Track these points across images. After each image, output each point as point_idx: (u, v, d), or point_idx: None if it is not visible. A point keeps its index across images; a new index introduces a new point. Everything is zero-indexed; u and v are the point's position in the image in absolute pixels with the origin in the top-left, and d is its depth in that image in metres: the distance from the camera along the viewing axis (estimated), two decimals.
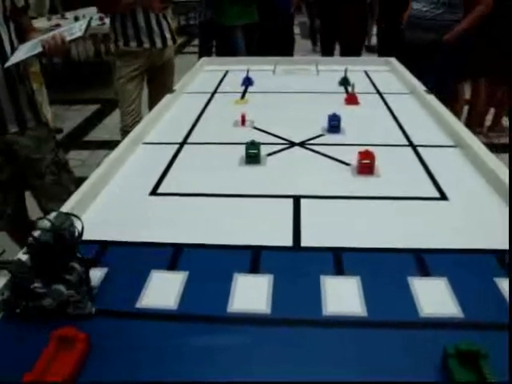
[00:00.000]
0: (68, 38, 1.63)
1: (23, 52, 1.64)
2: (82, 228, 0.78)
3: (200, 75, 2.34)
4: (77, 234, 0.78)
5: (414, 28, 3.17)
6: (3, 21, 1.63)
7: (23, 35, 1.74)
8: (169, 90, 2.03)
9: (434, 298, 0.80)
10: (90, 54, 6.84)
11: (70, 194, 1.66)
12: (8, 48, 1.65)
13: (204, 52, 3.93)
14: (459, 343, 0.65)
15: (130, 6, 2.64)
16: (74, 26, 1.68)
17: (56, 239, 0.74)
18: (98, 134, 4.31)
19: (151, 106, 2.88)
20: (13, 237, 2.04)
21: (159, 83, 2.93)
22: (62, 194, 1.81)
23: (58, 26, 4.53)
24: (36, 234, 0.74)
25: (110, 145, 2.85)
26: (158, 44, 2.77)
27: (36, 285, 0.75)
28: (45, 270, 0.76)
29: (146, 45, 2.74)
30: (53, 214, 0.77)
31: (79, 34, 1.63)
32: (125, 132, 2.80)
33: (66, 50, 1.69)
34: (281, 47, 3.92)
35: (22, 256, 0.81)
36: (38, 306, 0.76)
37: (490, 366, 0.62)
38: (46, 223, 0.74)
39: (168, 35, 2.81)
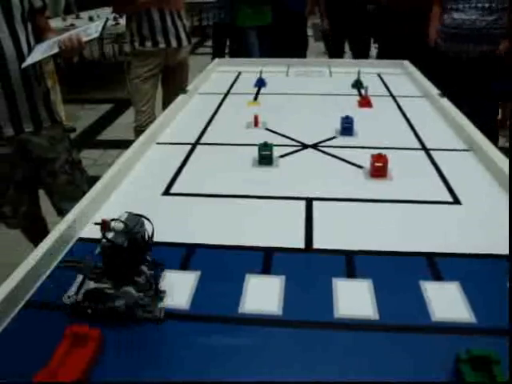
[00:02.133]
0: (84, 39, 1.63)
1: (40, 52, 1.65)
2: (153, 231, 0.76)
3: (213, 76, 2.35)
4: (147, 237, 0.76)
5: (461, 40, 2.83)
6: (21, 21, 1.65)
7: (40, 35, 1.76)
8: (183, 90, 2.03)
9: (446, 302, 0.80)
10: (104, 53, 6.88)
11: (83, 193, 1.71)
12: (25, 48, 1.66)
13: (217, 53, 3.95)
14: (471, 348, 0.64)
15: (146, 5, 2.65)
16: (89, 27, 1.68)
17: (130, 242, 0.73)
18: (110, 133, 4.34)
19: (165, 106, 2.90)
20: (26, 235, 2.06)
21: (173, 83, 2.94)
22: (75, 193, 1.83)
23: (72, 25, 4.57)
24: (109, 235, 0.72)
25: (123, 144, 2.88)
26: (174, 44, 2.79)
27: (106, 286, 0.76)
28: (115, 271, 0.75)
29: (162, 45, 2.76)
30: (125, 216, 0.75)
31: (96, 35, 1.63)
32: (139, 131, 2.82)
33: (82, 50, 1.71)
34: (294, 49, 3.92)
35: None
36: (109, 308, 0.75)
37: (502, 371, 0.62)
38: (120, 225, 0.72)
39: (183, 35, 2.83)
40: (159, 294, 0.80)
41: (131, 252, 0.73)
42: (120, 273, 0.75)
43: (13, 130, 1.70)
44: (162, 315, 0.77)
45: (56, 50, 1.61)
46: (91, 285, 0.77)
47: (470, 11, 2.73)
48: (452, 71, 2.83)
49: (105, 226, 0.73)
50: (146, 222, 0.77)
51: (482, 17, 2.71)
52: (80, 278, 0.80)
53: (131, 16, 2.76)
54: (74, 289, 0.80)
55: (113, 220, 0.73)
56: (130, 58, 2.93)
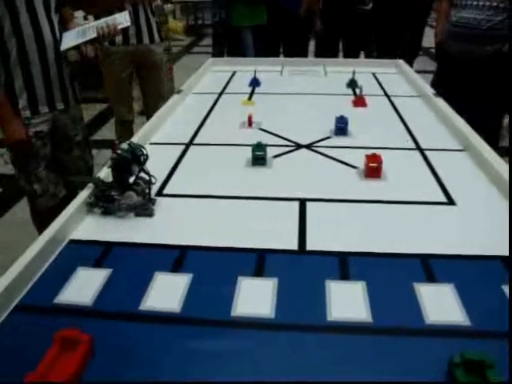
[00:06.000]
0: (119, 27, 1.85)
1: (73, 37, 1.83)
2: (147, 154, 1.08)
3: (207, 75, 2.34)
4: (145, 156, 1.07)
5: (465, 40, 2.72)
6: (54, 11, 1.82)
7: (64, 24, 1.91)
8: (160, 94, 2.04)
9: (440, 304, 0.79)
10: (98, 54, 6.85)
11: (90, 168, 2.01)
12: (58, 35, 1.83)
13: (217, 53, 3.93)
14: (465, 352, 0.64)
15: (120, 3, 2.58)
16: (116, 17, 1.88)
17: (133, 156, 1.05)
18: (104, 133, 4.31)
19: (146, 108, 2.93)
20: (40, 223, 2.02)
21: (148, 86, 2.90)
22: (84, 168, 2.05)
23: None
24: (118, 152, 1.04)
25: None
26: (145, 40, 2.73)
27: (113, 193, 1.07)
28: (120, 181, 1.07)
29: (133, 40, 2.69)
30: (128, 142, 1.08)
31: (128, 24, 1.89)
32: (122, 122, 2.89)
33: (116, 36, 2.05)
34: (289, 48, 3.92)
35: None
36: (117, 206, 1.07)
37: (496, 375, 0.61)
38: (124, 145, 1.06)
39: (155, 32, 2.77)
40: (151, 200, 1.10)
41: (133, 163, 1.05)
42: (123, 182, 1.07)
43: (48, 107, 1.85)
44: (154, 213, 1.08)
45: (94, 35, 1.81)
46: (102, 192, 1.08)
47: (476, 10, 2.62)
48: (455, 70, 2.81)
49: (114, 146, 1.05)
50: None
51: (489, 16, 2.60)
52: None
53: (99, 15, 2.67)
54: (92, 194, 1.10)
55: (119, 143, 1.07)
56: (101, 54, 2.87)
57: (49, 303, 0.81)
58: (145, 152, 1.07)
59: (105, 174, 1.15)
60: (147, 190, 1.09)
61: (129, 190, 1.06)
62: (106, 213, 1.08)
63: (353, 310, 0.78)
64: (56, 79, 1.85)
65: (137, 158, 1.05)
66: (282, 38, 3.89)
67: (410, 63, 3.61)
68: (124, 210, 1.07)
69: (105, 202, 1.08)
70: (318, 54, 4.02)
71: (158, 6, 3.38)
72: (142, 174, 1.09)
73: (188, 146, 1.49)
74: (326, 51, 3.83)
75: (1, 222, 2.73)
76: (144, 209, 1.07)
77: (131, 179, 1.09)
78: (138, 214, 1.08)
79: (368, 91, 1.93)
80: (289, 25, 3.78)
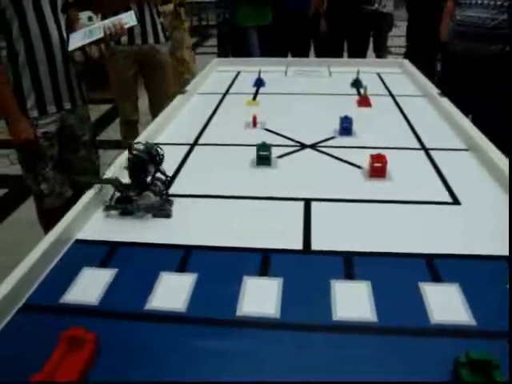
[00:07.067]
0: (126, 27, 1.85)
1: (80, 38, 1.84)
2: (163, 154, 1.07)
3: (212, 76, 2.34)
4: (160, 156, 1.07)
5: (470, 38, 2.69)
6: (61, 11, 1.84)
7: (71, 25, 1.92)
8: (165, 94, 2.08)
9: (445, 304, 0.79)
10: (103, 52, 6.86)
11: (96, 168, 1.97)
12: (64, 35, 1.85)
13: (223, 53, 3.93)
14: (471, 352, 0.64)
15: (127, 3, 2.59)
16: (122, 17, 1.88)
17: (149, 156, 1.05)
18: (109, 133, 4.32)
19: (152, 108, 2.93)
20: (46, 222, 2.03)
21: (154, 86, 2.91)
22: (90, 168, 2.04)
23: None
24: (134, 152, 1.04)
25: (122, 144, 2.86)
26: (150, 40, 2.73)
27: (131, 193, 1.07)
28: (137, 182, 1.06)
29: (138, 41, 2.69)
30: (144, 142, 1.08)
31: (134, 23, 1.89)
32: (127, 122, 2.88)
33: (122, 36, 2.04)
34: (295, 49, 3.91)
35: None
36: (136, 206, 1.07)
37: (501, 375, 0.61)
38: (140, 145, 1.06)
39: (160, 32, 2.78)
40: (169, 200, 1.10)
41: (150, 163, 1.05)
42: (140, 182, 1.06)
43: (55, 107, 1.86)
44: (171, 213, 1.08)
45: (101, 35, 1.81)
46: (121, 193, 1.09)
47: (481, 9, 2.61)
48: (460, 70, 2.80)
49: (130, 147, 1.05)
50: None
51: (492, 15, 2.59)
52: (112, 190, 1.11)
53: (106, 14, 2.68)
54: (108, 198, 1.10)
55: (136, 143, 1.07)
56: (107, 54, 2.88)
57: (55, 303, 0.82)
58: (160, 152, 1.07)
59: (112, 173, 1.16)
60: (164, 191, 1.10)
61: (146, 191, 1.07)
62: (124, 213, 1.08)
63: (358, 309, 0.78)
64: (63, 79, 1.86)
65: (153, 158, 1.05)
66: (287, 38, 3.89)
67: (432, 65, 3.59)
68: (142, 211, 1.08)
69: (123, 203, 1.08)
70: (319, 54, 4.01)
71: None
72: (158, 174, 1.09)
73: (193, 146, 1.49)
74: (331, 51, 3.83)
75: (6, 222, 2.74)
76: (161, 210, 1.07)
77: (148, 179, 1.09)
78: (155, 216, 1.08)
79: (372, 91, 1.93)
80: (294, 25, 3.77)
